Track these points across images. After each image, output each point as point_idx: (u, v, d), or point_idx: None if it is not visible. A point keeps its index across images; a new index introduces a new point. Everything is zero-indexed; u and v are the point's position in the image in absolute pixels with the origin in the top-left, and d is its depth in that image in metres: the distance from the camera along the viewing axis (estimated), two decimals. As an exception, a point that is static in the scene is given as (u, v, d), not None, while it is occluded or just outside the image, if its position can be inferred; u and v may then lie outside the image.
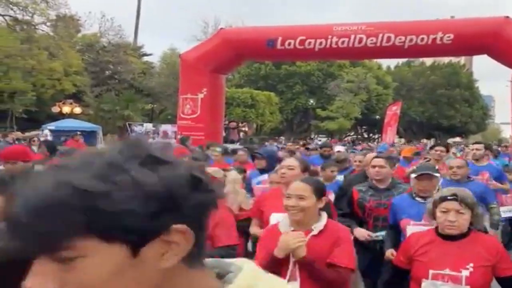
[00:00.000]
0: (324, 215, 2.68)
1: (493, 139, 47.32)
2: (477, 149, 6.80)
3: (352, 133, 47.43)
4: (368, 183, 4.37)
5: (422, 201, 3.59)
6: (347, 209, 4.29)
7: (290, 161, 3.89)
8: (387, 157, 5.15)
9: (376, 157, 4.55)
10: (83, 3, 29.73)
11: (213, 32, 23.35)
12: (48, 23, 26.65)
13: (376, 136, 45.83)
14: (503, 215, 6.28)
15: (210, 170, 3.90)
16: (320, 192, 2.67)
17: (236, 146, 14.92)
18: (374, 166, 4.27)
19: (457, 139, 43.83)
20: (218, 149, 7.57)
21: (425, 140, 44.76)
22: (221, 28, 17.94)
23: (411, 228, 3.42)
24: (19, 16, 25.61)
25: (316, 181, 2.92)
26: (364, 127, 48.03)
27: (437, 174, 3.83)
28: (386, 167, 4.26)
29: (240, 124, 29.15)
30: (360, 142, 33.93)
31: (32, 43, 24.78)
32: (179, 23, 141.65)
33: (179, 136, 14.63)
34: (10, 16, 25.63)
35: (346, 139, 41.19)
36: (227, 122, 25.67)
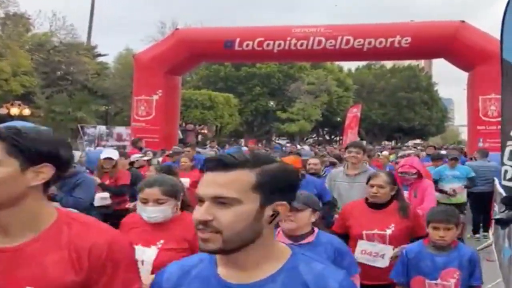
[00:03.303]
0: None
1: (452, 141, 48.64)
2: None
3: (314, 135, 47.68)
4: None
5: None
6: None
7: None
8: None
9: None
10: (33, 1, 28.49)
11: (171, 33, 22.82)
12: (-4, 22, 25.52)
13: (338, 138, 46.19)
14: None
15: None
16: None
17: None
18: None
19: (417, 141, 44.75)
20: None
21: (386, 142, 45.47)
22: (176, 28, 17.50)
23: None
24: (-35, 14, 24.33)
25: None
26: (326, 129, 48.35)
27: None
28: None
29: (198, 127, 28.65)
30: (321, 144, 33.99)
31: (-22, 42, 23.64)
32: (136, 23, 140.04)
33: (132, 139, 14.33)
34: (-45, 13, 24.31)
35: (307, 141, 41.35)
36: (184, 124, 25.15)
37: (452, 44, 13.20)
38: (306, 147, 22.14)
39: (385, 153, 13.67)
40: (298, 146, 22.28)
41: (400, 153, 13.38)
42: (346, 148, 5.37)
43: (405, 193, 4.92)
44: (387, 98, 45.44)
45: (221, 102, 31.10)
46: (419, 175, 5.08)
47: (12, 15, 26.19)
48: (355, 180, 4.97)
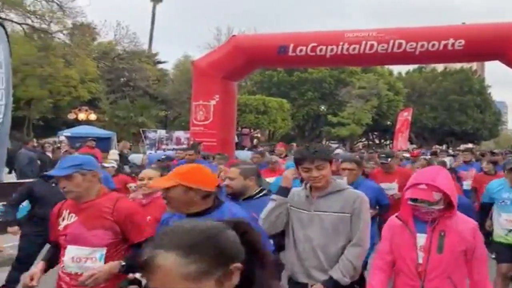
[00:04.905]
0: None
1: (506, 146, 46.93)
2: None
3: (364, 139, 47.41)
4: None
5: None
6: None
7: None
8: None
9: None
10: (99, 11, 30.30)
11: (226, 39, 23.65)
12: (65, 32, 26.99)
13: (388, 142, 45.73)
14: None
15: None
16: None
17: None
18: None
19: (469, 145, 43.50)
20: None
21: (437, 146, 44.49)
22: (233, 35, 18.11)
23: None
24: (36, 25, 25.92)
25: None
26: (376, 133, 47.96)
27: None
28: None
29: (252, 131, 29.30)
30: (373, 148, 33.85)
31: (49, 51, 25.22)
32: (193, 31, 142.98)
33: (191, 142, 14.81)
34: (28, 24, 25.97)
35: (357, 145, 41.23)
36: (240, 129, 25.82)
37: (507, 46, 12.84)
38: (339, 151, 21.33)
39: (423, 159, 9.78)
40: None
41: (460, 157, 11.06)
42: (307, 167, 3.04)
43: (421, 237, 2.69)
44: (438, 102, 44.59)
45: (274, 107, 31.71)
46: (449, 204, 2.65)
47: (79, 25, 27.55)
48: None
